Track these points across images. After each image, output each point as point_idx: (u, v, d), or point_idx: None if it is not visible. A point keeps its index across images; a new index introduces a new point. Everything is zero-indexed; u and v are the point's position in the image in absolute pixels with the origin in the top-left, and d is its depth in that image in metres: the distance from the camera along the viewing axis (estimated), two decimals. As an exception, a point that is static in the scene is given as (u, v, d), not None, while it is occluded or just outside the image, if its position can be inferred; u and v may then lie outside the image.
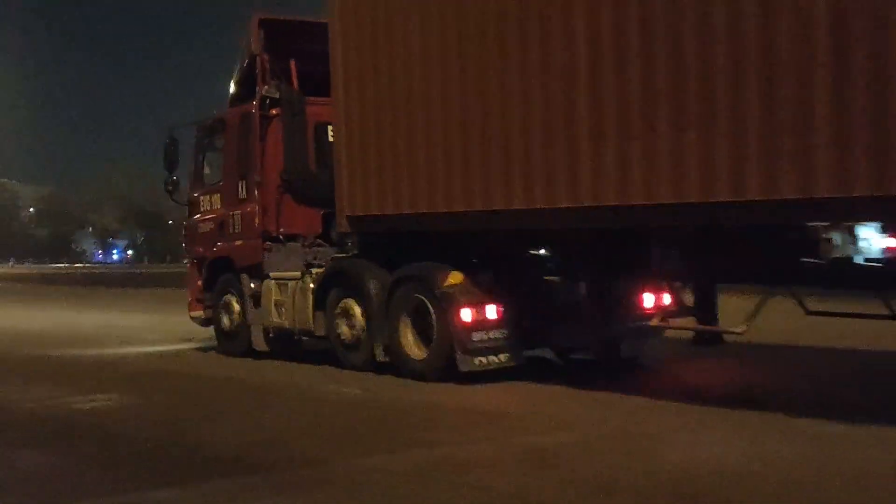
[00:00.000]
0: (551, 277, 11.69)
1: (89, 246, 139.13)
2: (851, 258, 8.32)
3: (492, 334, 11.17)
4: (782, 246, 8.64)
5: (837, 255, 8.31)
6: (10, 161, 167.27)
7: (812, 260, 8.35)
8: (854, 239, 8.26)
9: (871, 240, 8.25)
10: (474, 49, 10.75)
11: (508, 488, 6.60)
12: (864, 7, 7.71)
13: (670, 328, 10.69)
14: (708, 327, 10.27)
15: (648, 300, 10.95)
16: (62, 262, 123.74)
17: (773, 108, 8.24)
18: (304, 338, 13.63)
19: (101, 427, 9.34)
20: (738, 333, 9.47)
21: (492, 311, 11.17)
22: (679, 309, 11.08)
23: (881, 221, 8.13)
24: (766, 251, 8.82)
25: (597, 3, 9.49)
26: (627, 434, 8.26)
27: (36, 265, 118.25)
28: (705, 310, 10.78)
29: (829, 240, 8.29)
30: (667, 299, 11.04)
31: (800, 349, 13.41)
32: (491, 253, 11.65)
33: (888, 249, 8.22)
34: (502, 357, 11.19)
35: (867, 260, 8.30)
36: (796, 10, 8.08)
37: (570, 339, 11.58)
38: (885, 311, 9.49)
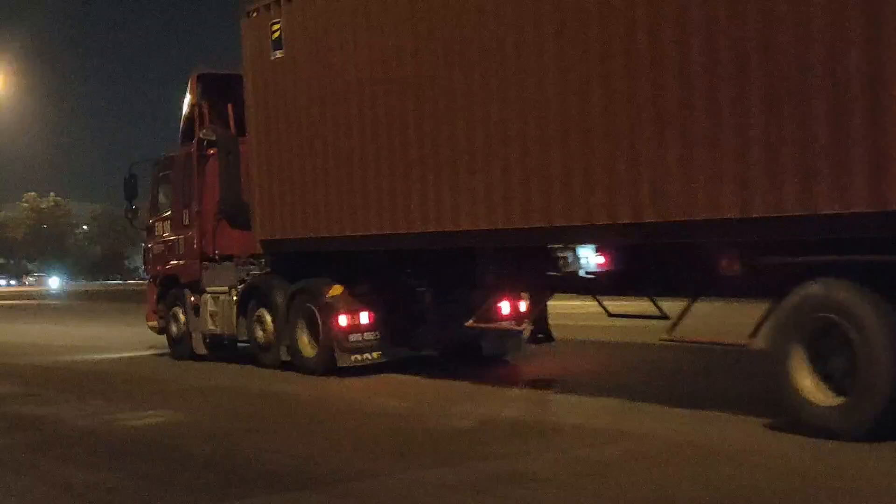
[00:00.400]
0: (420, 289, 14.92)
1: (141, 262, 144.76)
2: (577, 272, 11.55)
3: (365, 336, 14.47)
4: (535, 263, 11.91)
5: (569, 269, 11.55)
6: (63, 179, 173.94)
7: (554, 273, 11.60)
8: (577, 257, 11.48)
9: (589, 258, 11.46)
10: (339, 113, 14.13)
11: (563, 502, 7.04)
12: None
13: (479, 328, 13.79)
14: (504, 327, 13.52)
15: (490, 307, 14.09)
16: (116, 279, 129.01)
17: (525, 163, 11.48)
18: (239, 342, 16.95)
19: (154, 443, 10.05)
20: (520, 331, 12.77)
21: (365, 317, 14.47)
22: (518, 314, 14.36)
23: (594, 244, 11.36)
24: (525, 267, 12.11)
25: (420, 86, 12.84)
26: (683, 446, 8.89)
27: (88, 282, 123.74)
28: (537, 315, 14.03)
29: (565, 258, 11.53)
30: (506, 306, 14.34)
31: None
32: (368, 269, 14.92)
33: (599, 265, 11.44)
34: (375, 354, 14.49)
35: (587, 273, 11.53)
36: (538, 98, 11.34)
37: (423, 340, 14.80)
38: (657, 313, 12.71)
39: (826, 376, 9.18)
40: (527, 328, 13.00)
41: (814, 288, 9.17)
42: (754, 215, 9.47)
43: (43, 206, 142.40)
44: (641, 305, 12.93)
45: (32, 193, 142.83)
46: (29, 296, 71.91)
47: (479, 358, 15.06)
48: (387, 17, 13.33)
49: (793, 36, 8.99)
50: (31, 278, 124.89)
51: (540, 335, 14.16)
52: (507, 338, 15.05)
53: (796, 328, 9.29)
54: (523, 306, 14.24)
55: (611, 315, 13.37)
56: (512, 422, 10.45)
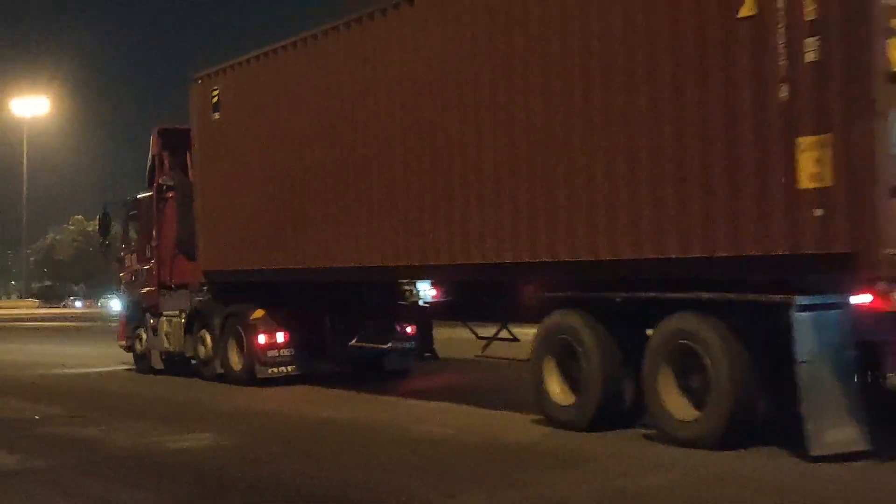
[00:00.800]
0: (324, 314, 18.36)
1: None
2: (418, 301, 15.05)
3: (282, 352, 18.00)
4: (392, 294, 15.43)
5: (413, 299, 15.04)
6: (109, 202, 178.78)
7: (402, 303, 15.10)
8: (417, 290, 14.96)
9: (426, 290, 14.94)
10: (259, 169, 17.78)
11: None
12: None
13: (360, 347, 17.23)
14: (377, 346, 16.93)
15: (371, 329, 17.49)
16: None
17: (379, 214, 14.99)
18: (192, 360, 20.48)
19: (194, 466, 10.66)
20: (385, 348, 16.23)
21: (281, 337, 18.00)
22: (406, 336, 17.78)
23: (430, 279, 14.83)
24: (387, 298, 15.64)
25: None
26: (722, 479, 9.46)
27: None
28: (423, 337, 17.50)
29: (410, 290, 15.02)
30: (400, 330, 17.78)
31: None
32: (287, 296, 18.42)
33: (434, 297, 14.91)
34: (290, 368, 18.01)
35: (425, 302, 15.02)
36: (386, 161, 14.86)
37: (328, 357, 18.27)
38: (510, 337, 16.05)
39: (568, 382, 12.53)
40: (393, 347, 16.46)
41: (557, 316, 12.57)
42: (526, 260, 12.90)
43: (89, 228, 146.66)
44: (502, 332, 16.24)
45: (79, 217, 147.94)
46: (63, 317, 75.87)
47: (383, 373, 18.45)
48: (290, 90, 16.94)
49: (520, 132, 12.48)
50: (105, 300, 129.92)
51: (427, 354, 17.60)
52: (407, 356, 18.43)
53: (548, 346, 12.68)
54: (409, 329, 17.64)
55: (479, 338, 16.69)
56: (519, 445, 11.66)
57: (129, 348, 22.15)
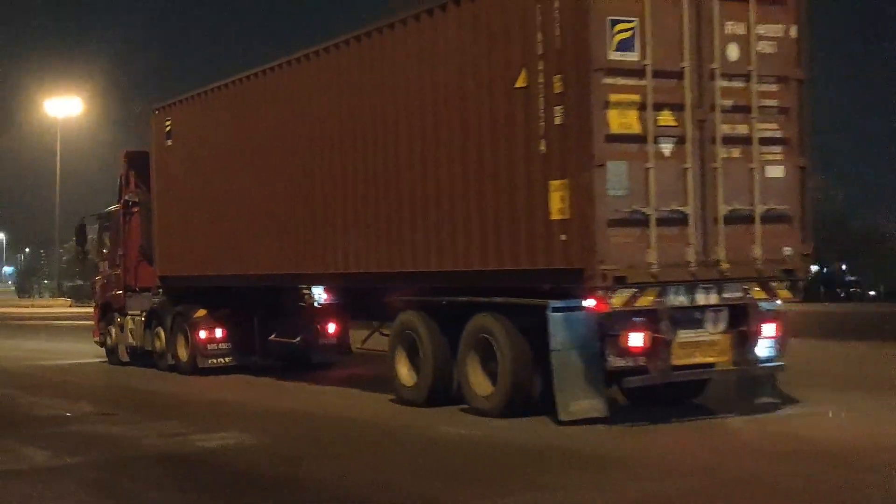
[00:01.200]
0: (254, 313, 22.00)
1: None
2: (314, 303, 18.72)
3: (220, 346, 21.71)
4: (295, 297, 19.13)
5: (310, 301, 18.72)
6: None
7: (302, 304, 18.78)
8: (313, 294, 18.64)
9: (320, 294, 18.60)
10: (203, 189, 21.53)
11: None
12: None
13: (278, 342, 20.90)
14: (287, 341, 20.59)
15: (289, 327, 21.15)
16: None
17: (284, 234, 18.68)
18: (150, 353, 24.08)
19: (225, 465, 11.17)
20: (294, 342, 19.92)
21: (219, 332, 21.71)
22: (321, 333, 21.40)
23: (322, 285, 18.51)
24: (293, 301, 19.37)
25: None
26: (738, 481, 9.84)
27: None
28: (342, 336, 21.13)
29: (308, 293, 18.70)
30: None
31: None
32: (226, 298, 22.07)
33: (326, 300, 18.58)
34: (227, 359, 21.71)
35: (319, 304, 18.70)
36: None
37: (258, 351, 21.93)
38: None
39: (413, 368, 16.09)
40: (301, 341, 20.17)
41: (405, 315, 16.17)
42: (385, 270, 16.54)
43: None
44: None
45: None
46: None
47: (311, 366, 21.96)
48: (222, 124, 20.77)
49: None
50: None
51: (344, 349, 21.23)
52: (329, 351, 21.87)
53: (399, 339, 16.28)
54: (332, 328, 21.22)
55: (383, 335, 20.24)
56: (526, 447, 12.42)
57: (102, 343, 25.99)
